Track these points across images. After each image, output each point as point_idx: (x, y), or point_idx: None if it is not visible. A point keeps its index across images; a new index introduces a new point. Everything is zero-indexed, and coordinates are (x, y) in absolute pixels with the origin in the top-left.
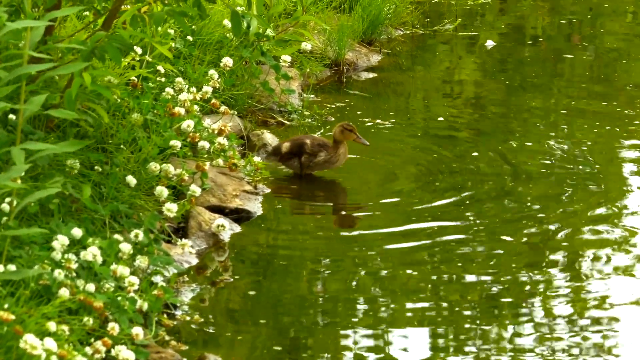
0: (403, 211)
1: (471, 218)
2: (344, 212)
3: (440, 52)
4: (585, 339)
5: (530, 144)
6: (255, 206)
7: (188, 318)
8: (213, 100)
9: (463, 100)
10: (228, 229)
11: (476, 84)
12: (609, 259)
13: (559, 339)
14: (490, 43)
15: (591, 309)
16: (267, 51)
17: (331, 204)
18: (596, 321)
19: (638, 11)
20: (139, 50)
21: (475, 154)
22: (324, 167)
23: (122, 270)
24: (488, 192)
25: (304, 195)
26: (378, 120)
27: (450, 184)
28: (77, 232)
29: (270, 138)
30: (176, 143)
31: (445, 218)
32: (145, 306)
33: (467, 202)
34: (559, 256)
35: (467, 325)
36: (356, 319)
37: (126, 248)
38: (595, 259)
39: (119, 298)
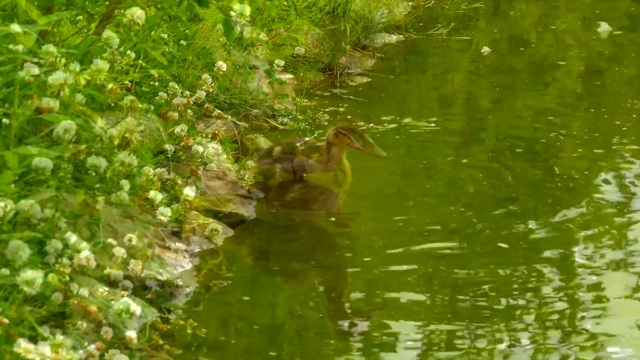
0: (396, 216)
1: (466, 223)
2: (337, 218)
3: (433, 56)
4: (579, 345)
5: (521, 150)
6: (248, 210)
7: (182, 322)
8: (206, 105)
9: (456, 105)
10: (222, 233)
11: (469, 89)
12: (605, 264)
13: (554, 348)
14: (486, 49)
15: (587, 312)
16: (261, 55)
17: (324, 208)
18: (592, 326)
19: (630, 18)
20: (132, 54)
21: (465, 160)
22: (316, 170)
23: (116, 274)
24: (482, 197)
25: (296, 200)
26: (371, 125)
27: (444, 189)
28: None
29: (263, 142)
30: (170, 147)
31: (439, 222)
32: (139, 310)
33: (461, 207)
34: (554, 261)
35: (459, 333)
36: (350, 325)
37: (120, 252)
38: (591, 263)
39: (113, 302)
